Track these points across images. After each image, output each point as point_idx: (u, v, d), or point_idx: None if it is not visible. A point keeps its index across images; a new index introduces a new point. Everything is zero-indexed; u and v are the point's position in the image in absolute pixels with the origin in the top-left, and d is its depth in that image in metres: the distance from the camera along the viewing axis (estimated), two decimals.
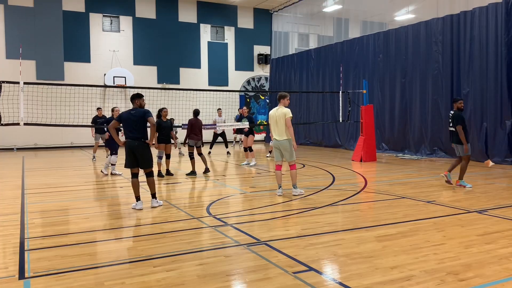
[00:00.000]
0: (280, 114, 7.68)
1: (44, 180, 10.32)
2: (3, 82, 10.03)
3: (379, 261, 4.23)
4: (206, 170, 10.79)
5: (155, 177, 8.39)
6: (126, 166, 6.86)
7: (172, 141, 10.79)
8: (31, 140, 19.76)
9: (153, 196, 6.96)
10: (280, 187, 7.87)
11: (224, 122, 17.28)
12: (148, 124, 6.85)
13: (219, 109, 17.73)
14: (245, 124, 13.20)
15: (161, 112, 10.36)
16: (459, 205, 6.83)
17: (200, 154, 10.68)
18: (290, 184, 8.02)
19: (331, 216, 6.29)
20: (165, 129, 10.30)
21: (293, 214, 6.28)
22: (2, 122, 10.29)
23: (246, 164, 12.67)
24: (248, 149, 12.83)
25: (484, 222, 5.78)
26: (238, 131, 16.56)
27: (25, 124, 10.66)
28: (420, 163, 13.08)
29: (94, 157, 15.14)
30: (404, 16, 17.72)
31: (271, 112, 7.91)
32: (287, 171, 8.66)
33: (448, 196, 7.71)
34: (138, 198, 6.81)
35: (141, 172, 7.01)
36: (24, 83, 10.45)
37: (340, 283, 3.68)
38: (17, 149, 19.45)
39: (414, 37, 15.18)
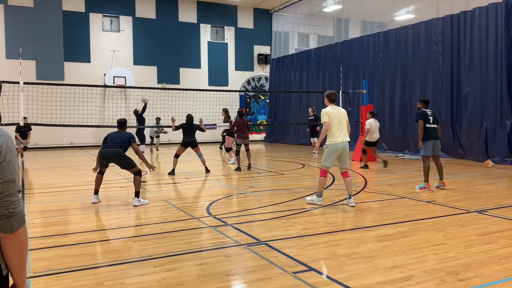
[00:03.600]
0: (343, 113, 7.00)
1: (44, 180, 10.32)
2: (3, 82, 10.04)
3: (379, 261, 4.23)
4: (249, 166, 11.84)
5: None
6: (100, 167, 7.40)
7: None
8: (31, 140, 19.71)
9: (136, 194, 7.12)
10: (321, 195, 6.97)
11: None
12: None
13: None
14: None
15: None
16: (459, 205, 6.83)
17: (247, 150, 11.84)
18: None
19: (331, 216, 6.28)
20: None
21: (293, 214, 6.28)
22: (2, 122, 10.30)
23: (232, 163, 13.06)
24: (227, 149, 13.81)
25: (484, 222, 5.78)
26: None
27: (25, 124, 10.67)
28: (420, 163, 13.04)
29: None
30: (404, 16, 17.73)
31: (332, 111, 6.91)
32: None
33: (448, 196, 7.71)
34: (96, 192, 7.37)
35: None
36: (24, 83, 10.47)
37: (340, 283, 3.68)
38: (17, 149, 19.44)
39: (414, 37, 15.18)
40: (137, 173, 7.18)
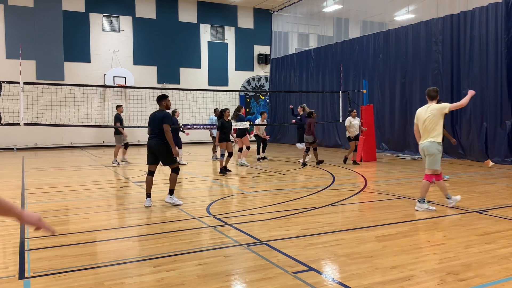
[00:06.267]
0: (433, 111, 6.38)
1: (44, 180, 10.32)
2: (3, 82, 10.03)
3: (379, 261, 4.23)
4: (320, 162, 12.47)
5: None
6: (147, 162, 7.15)
7: (232, 139, 11.60)
8: (31, 140, 19.76)
9: (170, 192, 7.06)
10: (449, 196, 6.59)
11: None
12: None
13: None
14: (245, 124, 13.19)
15: (224, 112, 11.02)
16: (459, 205, 6.81)
17: (315, 148, 12.58)
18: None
19: (331, 216, 6.28)
20: (226, 128, 10.95)
21: (293, 214, 6.28)
22: (2, 122, 10.29)
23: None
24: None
25: (484, 222, 5.78)
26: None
27: (25, 124, 10.67)
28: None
29: (118, 162, 13.19)
30: (404, 16, 17.72)
31: (418, 112, 6.65)
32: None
33: None
34: (148, 195, 6.99)
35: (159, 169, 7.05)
36: (24, 83, 10.46)
37: (340, 283, 3.68)
38: (17, 149, 19.45)
39: (414, 37, 15.18)
40: (175, 170, 7.04)
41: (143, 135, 17.30)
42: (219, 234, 5.28)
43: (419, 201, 6.51)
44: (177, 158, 7.22)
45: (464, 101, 6.38)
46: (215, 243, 4.88)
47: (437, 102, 6.62)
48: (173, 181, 7.02)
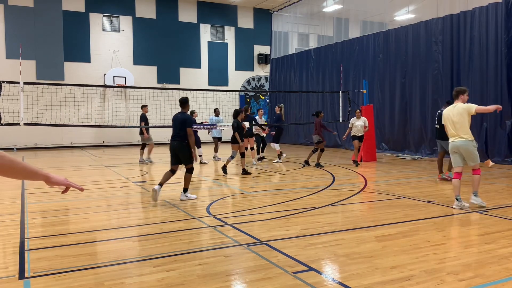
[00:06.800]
0: (457, 111, 6.77)
1: None
2: (3, 82, 10.03)
3: (379, 261, 4.22)
4: (319, 165, 12.00)
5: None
6: (170, 164, 7.51)
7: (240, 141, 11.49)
8: (31, 140, 19.76)
9: (184, 190, 7.46)
10: (459, 199, 6.60)
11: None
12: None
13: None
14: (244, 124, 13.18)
15: (240, 113, 10.93)
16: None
17: (321, 150, 12.14)
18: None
19: (331, 216, 6.28)
20: (240, 129, 10.84)
21: (293, 214, 6.28)
22: (2, 122, 10.29)
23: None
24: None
25: (484, 222, 5.78)
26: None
27: (25, 124, 10.67)
28: (420, 163, 13.08)
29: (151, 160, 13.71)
30: (404, 16, 17.72)
31: (444, 112, 7.06)
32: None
33: (448, 196, 7.70)
34: (160, 184, 7.29)
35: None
36: (24, 83, 10.46)
37: (340, 283, 3.68)
38: (17, 149, 19.44)
39: (414, 37, 15.18)
40: (190, 170, 7.45)
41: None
42: (219, 234, 5.28)
43: (474, 194, 6.69)
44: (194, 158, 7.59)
45: (492, 107, 6.87)
46: (215, 243, 4.88)
47: (463, 102, 6.99)
48: (187, 180, 7.45)
